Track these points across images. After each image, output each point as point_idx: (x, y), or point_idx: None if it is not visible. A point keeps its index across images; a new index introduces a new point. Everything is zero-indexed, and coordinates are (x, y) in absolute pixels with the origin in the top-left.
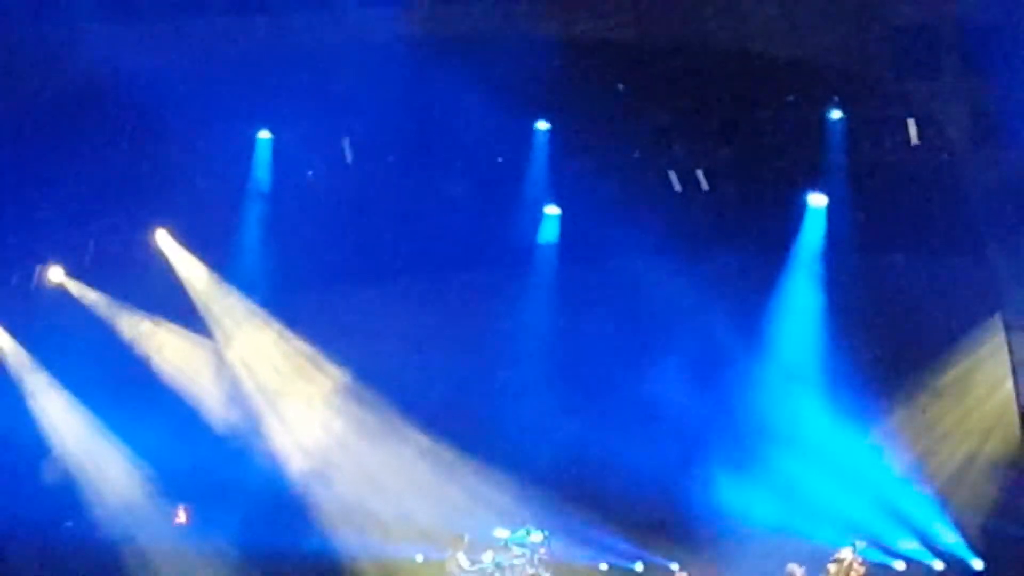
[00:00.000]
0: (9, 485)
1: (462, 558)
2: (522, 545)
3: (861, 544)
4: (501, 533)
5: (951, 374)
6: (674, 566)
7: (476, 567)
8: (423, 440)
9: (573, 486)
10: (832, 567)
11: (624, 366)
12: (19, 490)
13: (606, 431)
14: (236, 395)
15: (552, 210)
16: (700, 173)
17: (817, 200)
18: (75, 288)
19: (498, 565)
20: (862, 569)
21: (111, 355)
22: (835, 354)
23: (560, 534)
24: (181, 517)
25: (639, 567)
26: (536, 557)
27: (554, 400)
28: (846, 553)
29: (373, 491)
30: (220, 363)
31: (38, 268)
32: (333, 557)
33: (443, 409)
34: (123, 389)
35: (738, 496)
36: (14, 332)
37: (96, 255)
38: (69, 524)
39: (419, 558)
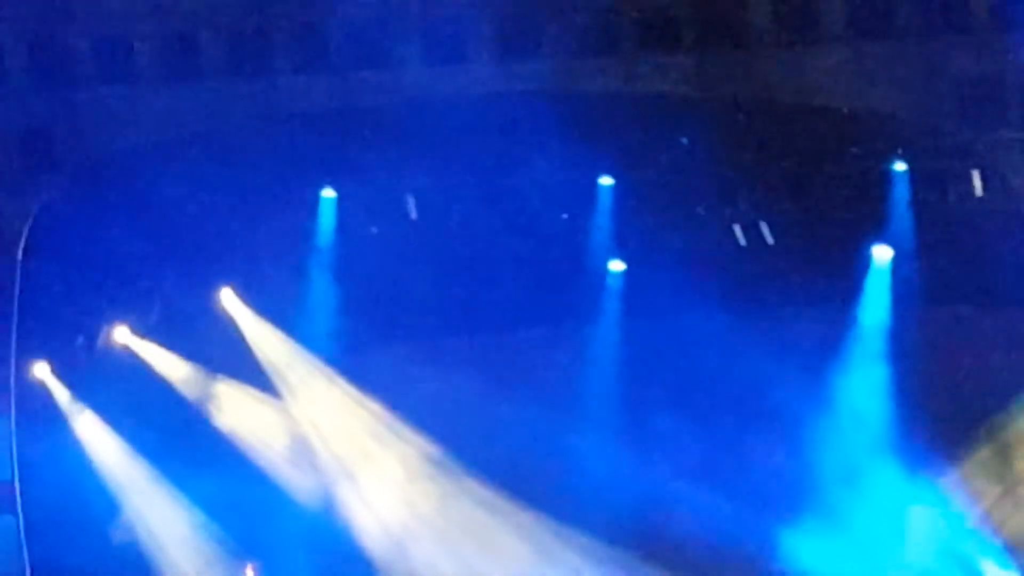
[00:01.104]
0: (78, 547)
1: None
2: None
3: None
4: None
5: (1019, 426)
6: None
7: None
8: (492, 498)
9: (637, 540)
10: None
11: (689, 422)
12: (87, 552)
13: (670, 485)
14: (305, 455)
15: (616, 265)
16: (764, 227)
17: (882, 253)
18: (141, 348)
19: None
20: None
21: (177, 415)
22: (900, 407)
23: None
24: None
25: None
26: None
27: (621, 456)
28: None
29: (436, 545)
30: (288, 423)
31: (103, 329)
32: None
33: (511, 467)
34: (190, 450)
35: (807, 552)
36: (79, 393)
37: (161, 315)
38: None
39: None
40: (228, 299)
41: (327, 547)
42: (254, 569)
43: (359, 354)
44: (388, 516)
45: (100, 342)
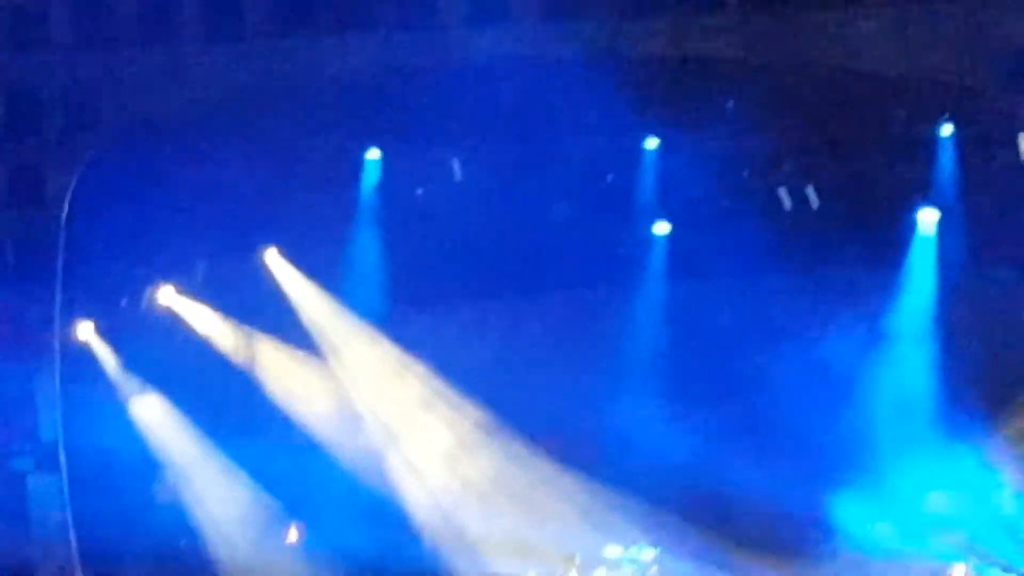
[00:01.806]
0: (122, 505)
1: None
2: (634, 563)
3: (975, 561)
4: (613, 551)
5: None
6: None
7: None
8: (540, 463)
9: (685, 503)
10: None
11: (733, 384)
12: (132, 510)
13: (717, 448)
14: (350, 417)
15: (662, 228)
16: (810, 190)
17: (927, 216)
18: (185, 308)
19: None
20: None
21: (221, 375)
22: (946, 369)
23: (672, 552)
24: (293, 536)
25: None
26: (648, 575)
27: (664, 417)
28: (959, 570)
29: (484, 511)
30: (333, 384)
31: (148, 289)
32: None
33: (554, 427)
34: (234, 409)
35: (853, 514)
36: (125, 353)
37: (206, 276)
38: (182, 543)
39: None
40: (273, 259)
41: (372, 510)
42: (298, 529)
43: (404, 316)
44: (434, 480)
45: (145, 302)
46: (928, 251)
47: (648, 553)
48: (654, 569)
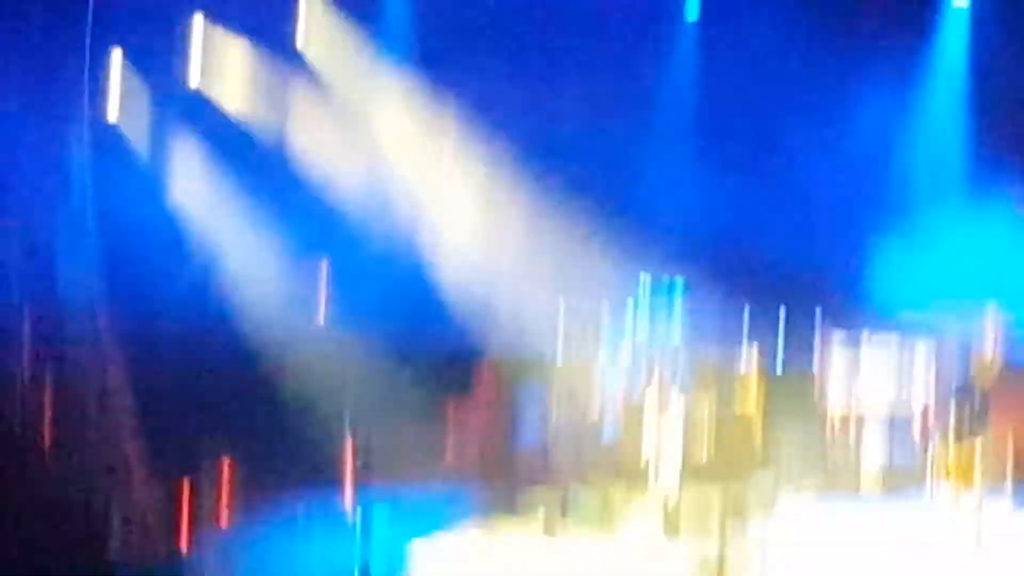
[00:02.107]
0: (152, 282)
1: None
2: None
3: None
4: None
5: None
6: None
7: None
8: (571, 224)
9: (714, 260)
10: (974, 360)
11: (762, 138)
12: (162, 287)
13: (744, 203)
14: (375, 168)
15: None
16: None
17: None
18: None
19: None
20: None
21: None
22: (979, 140)
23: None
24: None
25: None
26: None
27: (689, 171)
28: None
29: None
30: (358, 135)
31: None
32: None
33: (574, 172)
34: (258, 167)
35: (882, 264)
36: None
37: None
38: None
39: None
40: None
41: (401, 287)
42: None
43: (434, 67)
44: (465, 254)
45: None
46: (961, 23)
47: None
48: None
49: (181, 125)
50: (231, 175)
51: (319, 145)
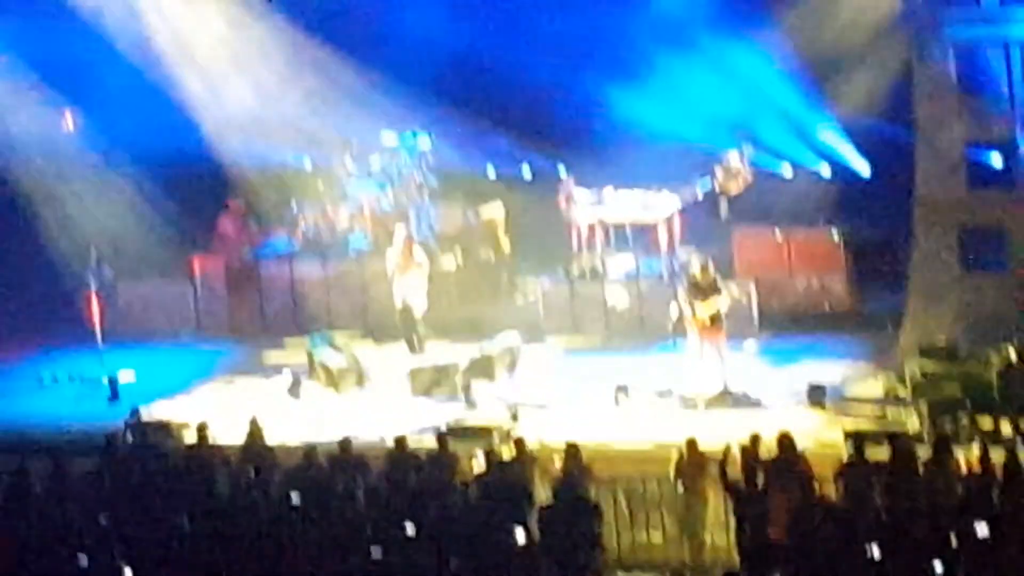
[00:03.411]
0: None
1: (349, 163)
2: (409, 149)
3: (749, 149)
4: (388, 139)
5: None
6: (561, 169)
7: (362, 172)
8: (309, 43)
9: (461, 91)
10: (720, 172)
11: None
12: None
13: (494, 37)
14: None
15: None
16: None
17: None
18: None
19: (385, 170)
20: (748, 176)
21: None
22: None
23: (448, 139)
24: (68, 122)
25: (527, 172)
26: (423, 163)
27: (443, 5)
28: (733, 158)
29: (260, 97)
30: None
31: None
32: (223, 166)
33: (330, 13)
34: None
35: (627, 102)
36: None
37: None
38: None
39: (306, 164)
40: None
41: (149, 97)
42: (72, 114)
43: None
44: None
45: None
46: None
47: (423, 140)
48: (429, 157)
49: None
50: None
51: None
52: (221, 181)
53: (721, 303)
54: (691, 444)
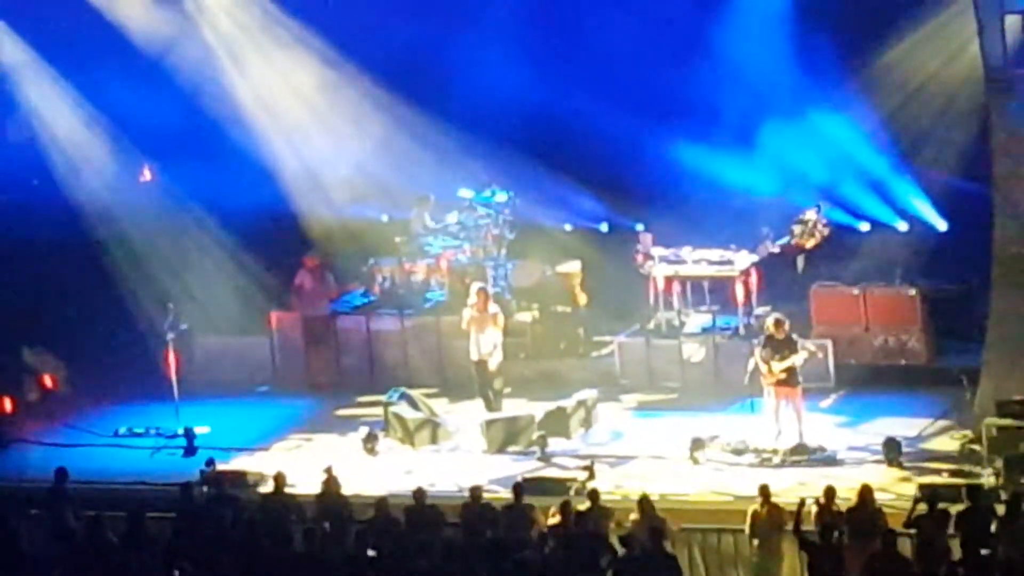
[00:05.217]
0: None
1: (426, 217)
2: (487, 205)
3: (825, 205)
4: (466, 193)
5: (921, 31)
6: (639, 227)
7: (440, 226)
8: (386, 99)
9: (540, 146)
10: (796, 228)
11: (593, 29)
12: None
13: (573, 92)
14: (198, 49)
15: None
16: None
17: None
18: None
19: (462, 225)
20: (826, 230)
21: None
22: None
23: (525, 194)
24: (146, 175)
25: (604, 228)
26: (500, 217)
27: (522, 60)
28: (811, 214)
29: (337, 151)
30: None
31: None
32: (298, 218)
33: (408, 68)
34: (85, 47)
35: (705, 158)
36: None
37: None
38: (35, 183)
39: (384, 218)
40: None
41: (227, 152)
42: (151, 168)
43: None
44: (289, 122)
45: None
46: None
47: (502, 196)
48: (507, 211)
49: None
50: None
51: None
52: (299, 236)
53: (797, 360)
54: (766, 498)
